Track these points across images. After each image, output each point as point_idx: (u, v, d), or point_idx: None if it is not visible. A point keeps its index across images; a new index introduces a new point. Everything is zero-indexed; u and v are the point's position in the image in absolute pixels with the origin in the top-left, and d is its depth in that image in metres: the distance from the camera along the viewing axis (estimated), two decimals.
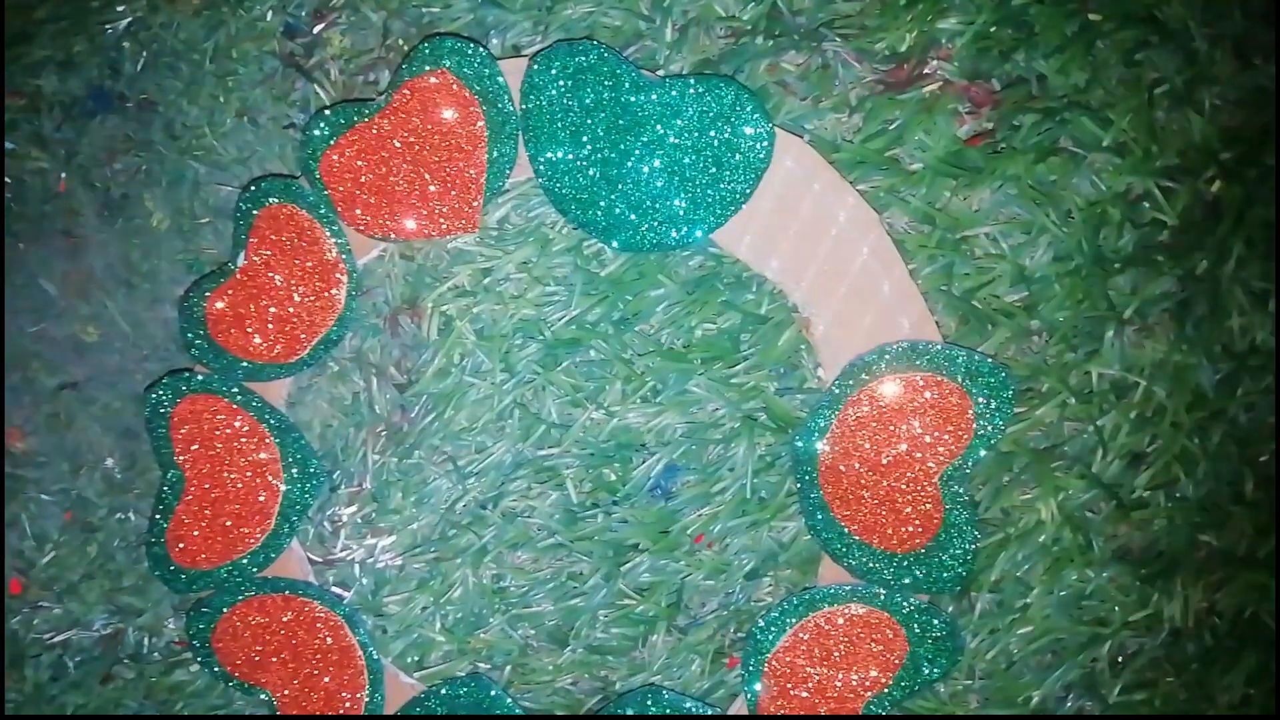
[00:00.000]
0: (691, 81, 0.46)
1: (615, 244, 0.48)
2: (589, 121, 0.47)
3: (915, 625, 0.49)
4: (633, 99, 0.46)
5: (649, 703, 0.51)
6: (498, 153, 0.48)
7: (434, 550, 0.54)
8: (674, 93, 0.46)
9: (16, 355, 0.57)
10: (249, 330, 0.51)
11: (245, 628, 0.53)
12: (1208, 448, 0.49)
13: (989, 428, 0.47)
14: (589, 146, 0.47)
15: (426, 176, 0.48)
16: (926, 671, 0.50)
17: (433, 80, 0.47)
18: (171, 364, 0.56)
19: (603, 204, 0.48)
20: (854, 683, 0.50)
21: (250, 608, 0.53)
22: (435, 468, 0.53)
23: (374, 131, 0.48)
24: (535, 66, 0.47)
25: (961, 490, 0.48)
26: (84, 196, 0.57)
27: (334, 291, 0.51)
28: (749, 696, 0.51)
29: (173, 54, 0.55)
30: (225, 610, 0.53)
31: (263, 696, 0.54)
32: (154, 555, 0.53)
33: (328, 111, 0.49)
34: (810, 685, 0.50)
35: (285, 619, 0.53)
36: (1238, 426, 0.49)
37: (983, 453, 0.47)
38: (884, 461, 0.48)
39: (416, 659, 0.55)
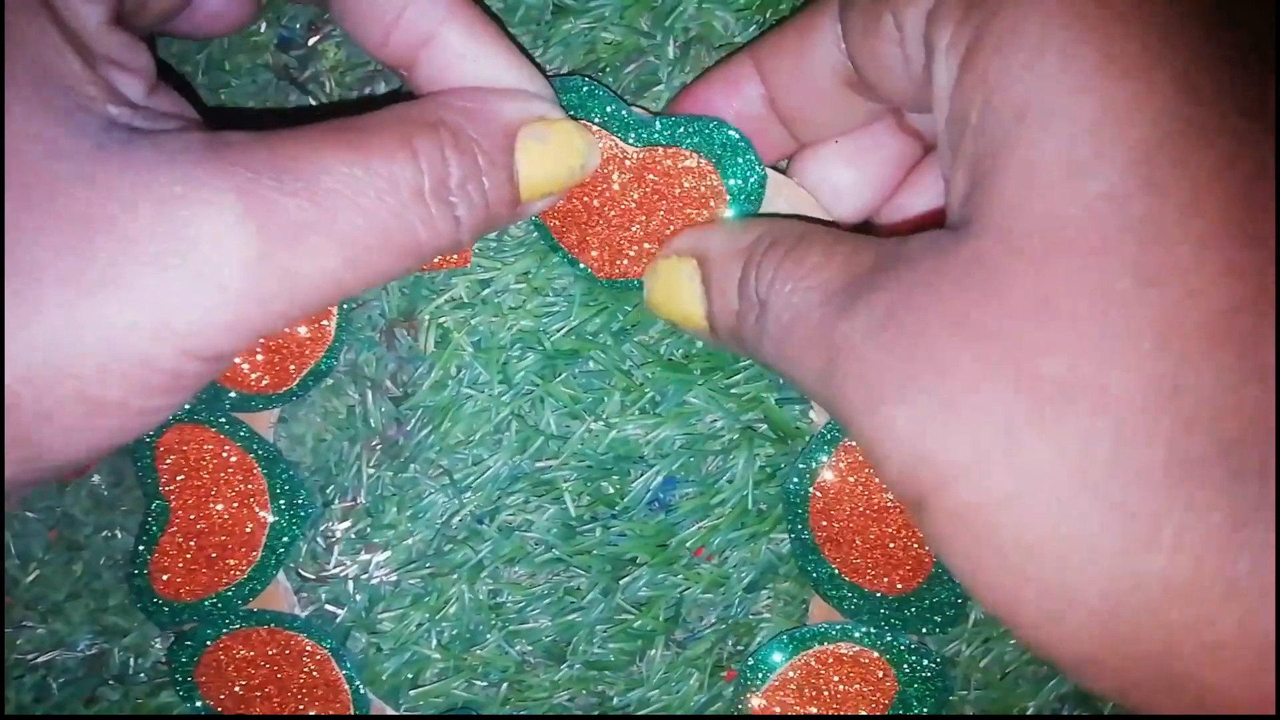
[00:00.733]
0: (683, 121, 0.46)
1: (605, 282, 0.48)
2: None
3: (905, 665, 0.50)
4: (627, 138, 0.46)
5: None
6: None
7: (429, 566, 0.54)
8: (665, 132, 0.46)
9: None
10: (237, 360, 0.50)
11: (230, 661, 0.52)
12: None
13: None
14: None
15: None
16: (916, 710, 0.50)
17: None
18: None
19: None
20: None
21: (235, 641, 0.52)
22: (431, 482, 0.53)
23: None
24: None
25: None
26: None
27: (324, 323, 0.50)
28: None
29: (163, 66, 0.54)
30: (209, 643, 0.52)
31: None
32: (136, 587, 0.52)
33: None
34: None
35: (270, 652, 0.52)
36: None
37: None
38: (877, 507, 0.48)
39: (411, 677, 0.54)
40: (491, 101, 0.41)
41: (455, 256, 0.49)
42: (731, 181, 0.46)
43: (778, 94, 0.44)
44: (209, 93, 0.54)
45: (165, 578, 0.52)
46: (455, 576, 0.53)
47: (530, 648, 0.54)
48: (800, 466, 0.49)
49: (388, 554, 0.54)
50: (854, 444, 0.48)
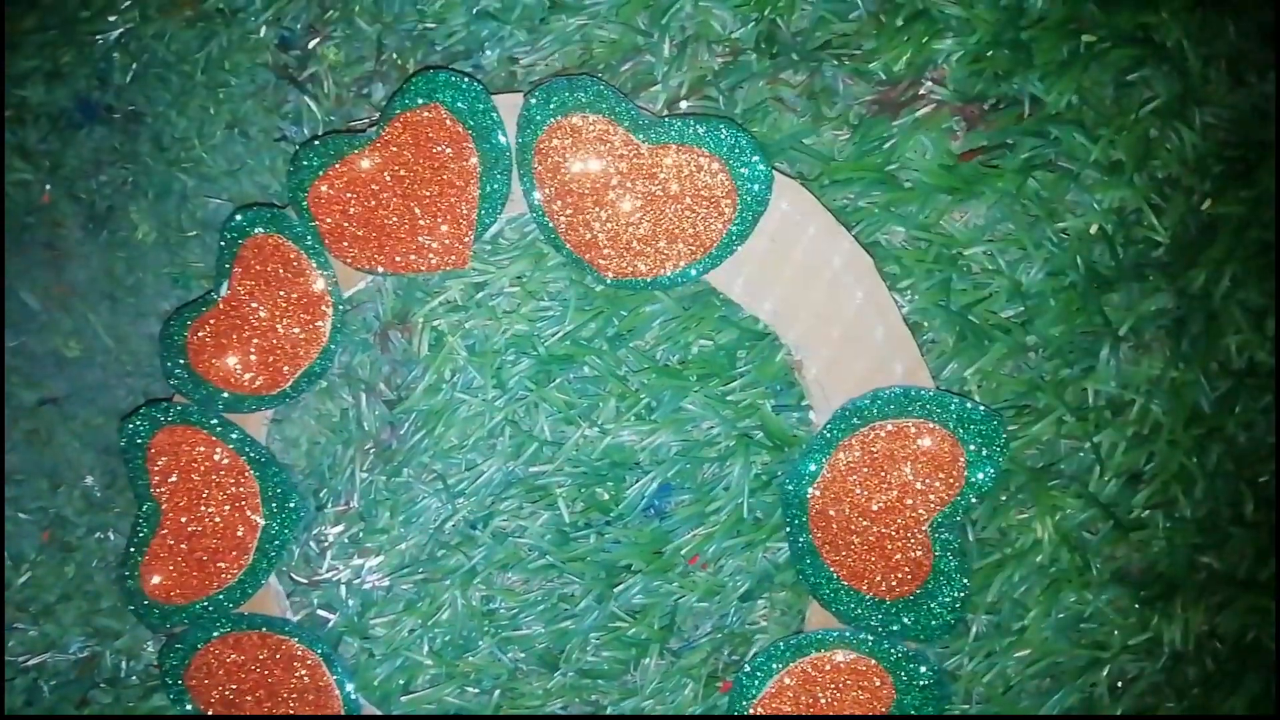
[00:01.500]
0: (691, 122, 0.46)
1: (609, 278, 0.48)
2: None
3: (903, 673, 0.49)
4: (637, 137, 0.46)
5: None
6: (490, 188, 0.48)
7: (422, 571, 0.53)
8: (673, 132, 0.46)
9: None
10: (231, 361, 0.50)
11: (220, 665, 0.52)
12: (1206, 467, 0.49)
13: (980, 476, 0.46)
14: None
15: (417, 211, 0.48)
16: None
17: (426, 114, 0.47)
18: (155, 380, 0.55)
19: None
20: None
21: (226, 644, 0.52)
22: (424, 486, 0.52)
23: (364, 164, 0.48)
24: (532, 101, 0.46)
25: (952, 538, 0.47)
26: (68, 208, 0.56)
27: (319, 324, 0.50)
28: None
29: (163, 65, 0.54)
30: (200, 647, 0.52)
31: None
32: (128, 589, 0.52)
33: (317, 142, 0.49)
34: None
35: (261, 656, 0.52)
36: (1236, 445, 0.49)
37: (974, 500, 0.47)
38: (874, 508, 0.47)
39: (403, 682, 0.54)
40: None
41: (454, 259, 0.49)
42: (741, 180, 0.46)
43: None
44: (208, 91, 0.54)
45: (156, 580, 0.52)
46: (448, 582, 0.53)
47: (523, 655, 0.53)
48: (797, 469, 0.48)
49: (380, 559, 0.53)
50: (851, 444, 0.48)
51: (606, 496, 0.52)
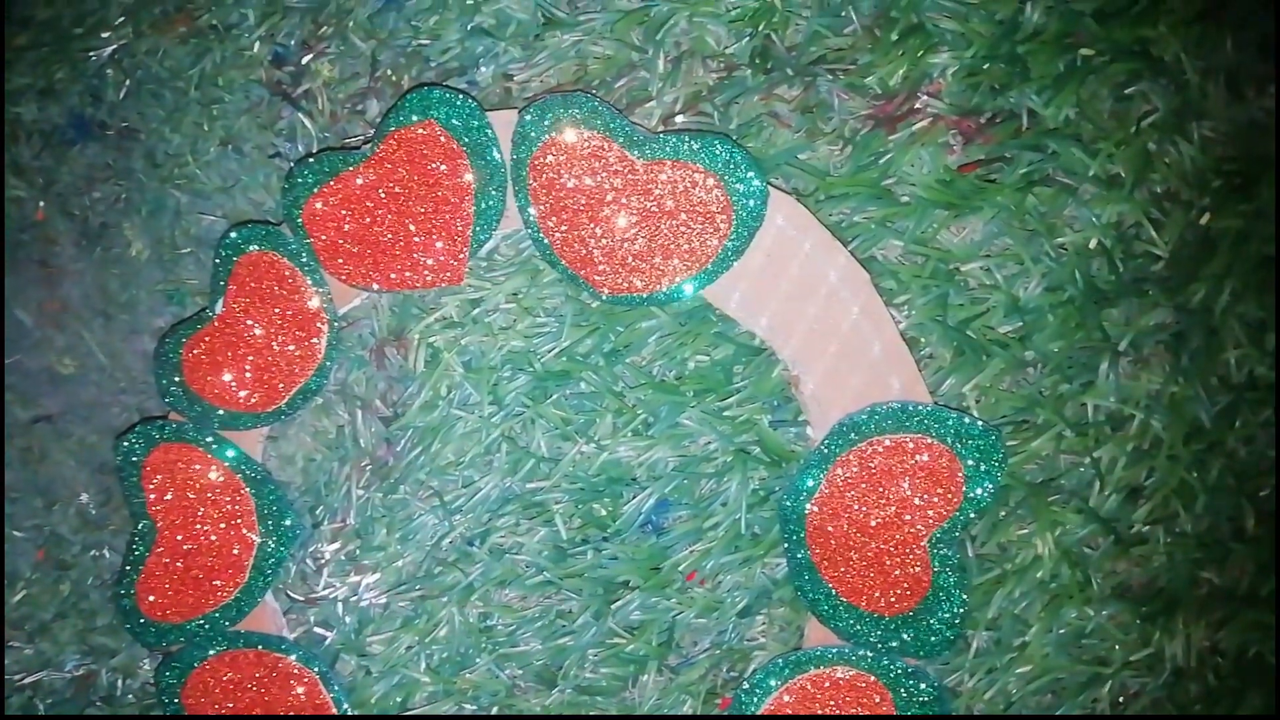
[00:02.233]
0: (686, 137, 0.46)
1: (605, 294, 0.48)
2: None
3: (903, 689, 0.49)
4: (632, 153, 0.46)
5: None
6: (485, 205, 0.47)
7: (419, 588, 0.53)
8: (668, 148, 0.46)
9: None
10: (226, 378, 0.50)
11: (216, 683, 0.52)
12: (1206, 481, 0.49)
13: (979, 491, 0.46)
14: None
15: (412, 228, 0.48)
16: None
17: (420, 131, 0.47)
18: (150, 397, 0.55)
19: None
20: None
21: (222, 663, 0.52)
22: (421, 503, 0.52)
23: (359, 181, 0.48)
24: (527, 117, 0.46)
25: (950, 553, 0.47)
26: (62, 225, 0.56)
27: (314, 341, 0.50)
28: None
29: (157, 81, 0.54)
30: (196, 665, 0.52)
31: None
32: (123, 608, 0.51)
33: (312, 159, 0.48)
34: None
35: (258, 675, 0.52)
36: (1237, 460, 0.49)
37: (972, 515, 0.47)
38: (872, 523, 0.47)
39: (400, 700, 0.53)
40: None
41: (449, 275, 0.49)
42: (736, 196, 0.46)
43: None
44: (202, 108, 0.54)
45: (151, 599, 0.51)
46: (445, 599, 0.52)
47: (521, 671, 0.53)
48: (795, 485, 0.48)
49: (377, 576, 0.53)
50: (848, 460, 0.48)
51: (604, 512, 0.52)
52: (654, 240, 0.46)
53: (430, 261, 0.48)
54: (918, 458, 0.46)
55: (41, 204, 0.56)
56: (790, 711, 0.49)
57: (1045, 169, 0.48)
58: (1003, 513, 0.50)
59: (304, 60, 0.53)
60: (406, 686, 0.53)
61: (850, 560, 0.48)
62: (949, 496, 0.46)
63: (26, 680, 0.56)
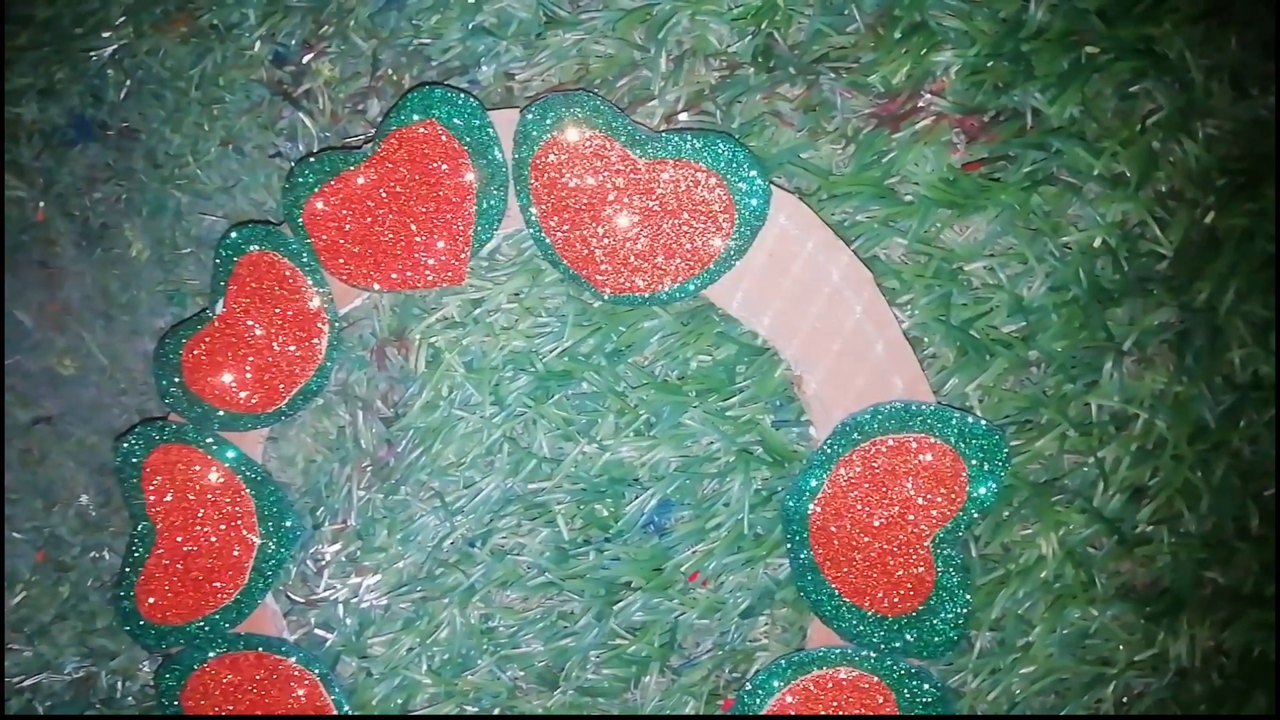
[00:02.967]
0: (689, 136, 0.46)
1: (607, 294, 0.48)
2: None
3: (906, 690, 0.48)
4: (634, 152, 0.46)
5: None
6: (486, 204, 0.47)
7: (420, 589, 0.52)
8: (670, 147, 0.46)
9: None
10: (226, 379, 0.50)
11: (216, 685, 0.52)
12: (1211, 481, 0.48)
13: (982, 491, 0.46)
14: None
15: (413, 227, 0.48)
16: None
17: (421, 130, 0.47)
18: (150, 398, 0.55)
19: None
20: None
21: (222, 665, 0.51)
22: (422, 504, 0.52)
23: (360, 180, 0.48)
24: (529, 116, 0.46)
25: (954, 553, 0.47)
26: (62, 226, 0.55)
27: (315, 341, 0.50)
28: None
29: (158, 81, 0.54)
30: (196, 667, 0.51)
31: None
32: (123, 609, 0.51)
33: (312, 158, 0.48)
34: None
35: (258, 677, 0.51)
36: (1241, 460, 0.48)
37: (975, 515, 0.46)
38: (876, 524, 0.47)
39: (401, 702, 0.53)
40: None
41: (451, 275, 0.48)
42: (739, 195, 0.46)
43: None
44: (202, 108, 0.53)
45: (151, 601, 0.51)
46: (446, 600, 0.52)
47: (522, 673, 0.53)
48: (798, 486, 0.48)
49: (378, 577, 0.53)
50: (851, 460, 0.47)
51: (606, 513, 0.51)
52: (656, 239, 0.46)
53: (432, 261, 0.48)
54: (921, 458, 0.46)
55: (42, 204, 0.55)
56: (793, 713, 0.49)
57: (1049, 168, 0.48)
58: (1006, 513, 0.49)
59: (305, 60, 0.52)
60: (408, 688, 0.53)
61: (853, 560, 0.47)
62: (952, 496, 0.46)
63: (25, 683, 0.56)
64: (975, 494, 0.46)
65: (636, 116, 0.49)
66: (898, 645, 0.48)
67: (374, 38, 0.51)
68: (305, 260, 0.49)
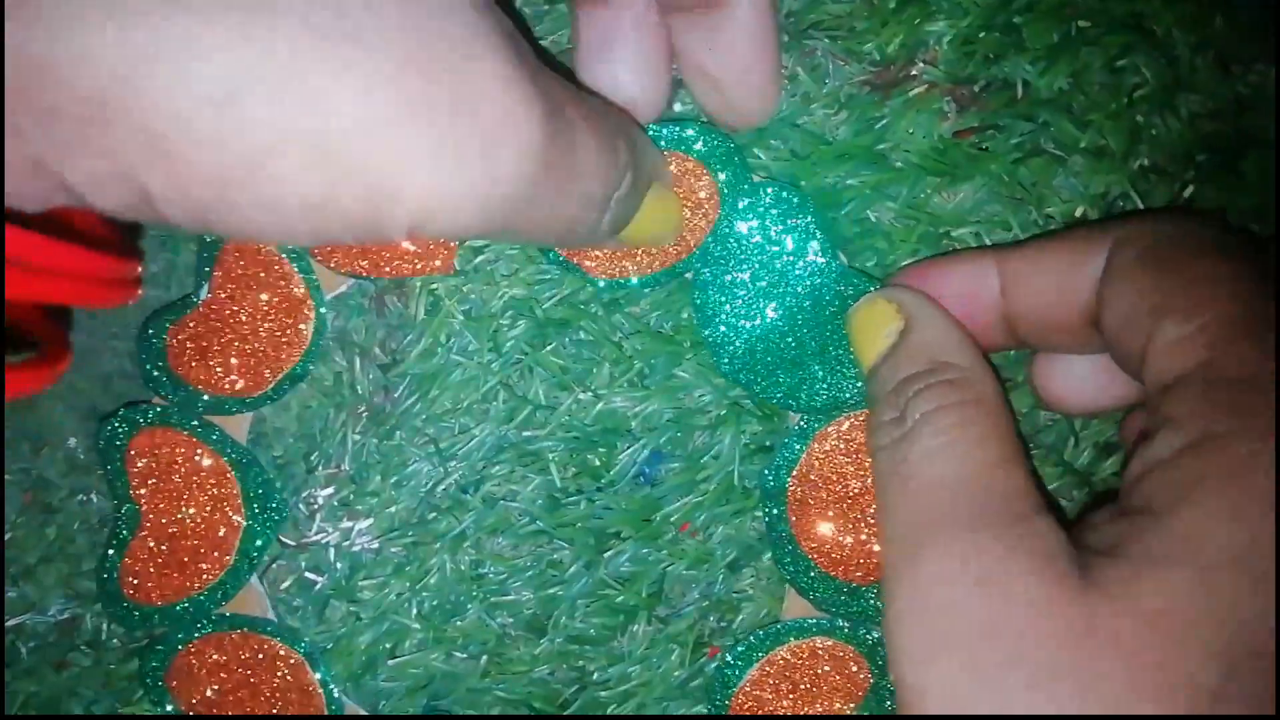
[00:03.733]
0: (664, 127, 0.47)
1: (600, 281, 0.49)
2: None
3: (879, 658, 0.50)
4: None
5: None
6: None
7: (412, 534, 0.53)
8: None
9: None
10: (211, 365, 0.50)
11: (202, 665, 0.52)
12: None
13: None
14: None
15: None
16: (890, 704, 0.50)
17: None
18: None
19: None
20: (818, 713, 0.50)
21: (207, 645, 0.52)
22: (416, 450, 0.53)
23: None
24: None
25: None
26: None
27: (301, 327, 0.50)
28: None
29: None
30: (181, 648, 0.52)
31: None
32: (107, 592, 0.51)
33: None
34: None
35: (244, 657, 0.52)
36: None
37: None
38: (852, 494, 0.49)
39: (389, 646, 0.54)
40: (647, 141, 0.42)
41: (439, 263, 0.49)
42: (721, 181, 0.47)
43: (1016, 304, 0.43)
44: None
45: (135, 582, 0.51)
46: (438, 546, 0.53)
47: (511, 620, 0.54)
48: (776, 460, 0.49)
49: (370, 521, 0.53)
50: (827, 433, 0.49)
51: (598, 463, 0.52)
52: None
53: (418, 248, 0.49)
54: None
55: None
56: (772, 682, 0.50)
57: (1037, 139, 0.50)
58: None
59: None
60: (396, 633, 0.54)
61: (829, 532, 0.49)
62: None
63: (9, 623, 0.55)
64: None
65: None
66: (870, 614, 0.49)
67: None
68: (291, 246, 0.49)
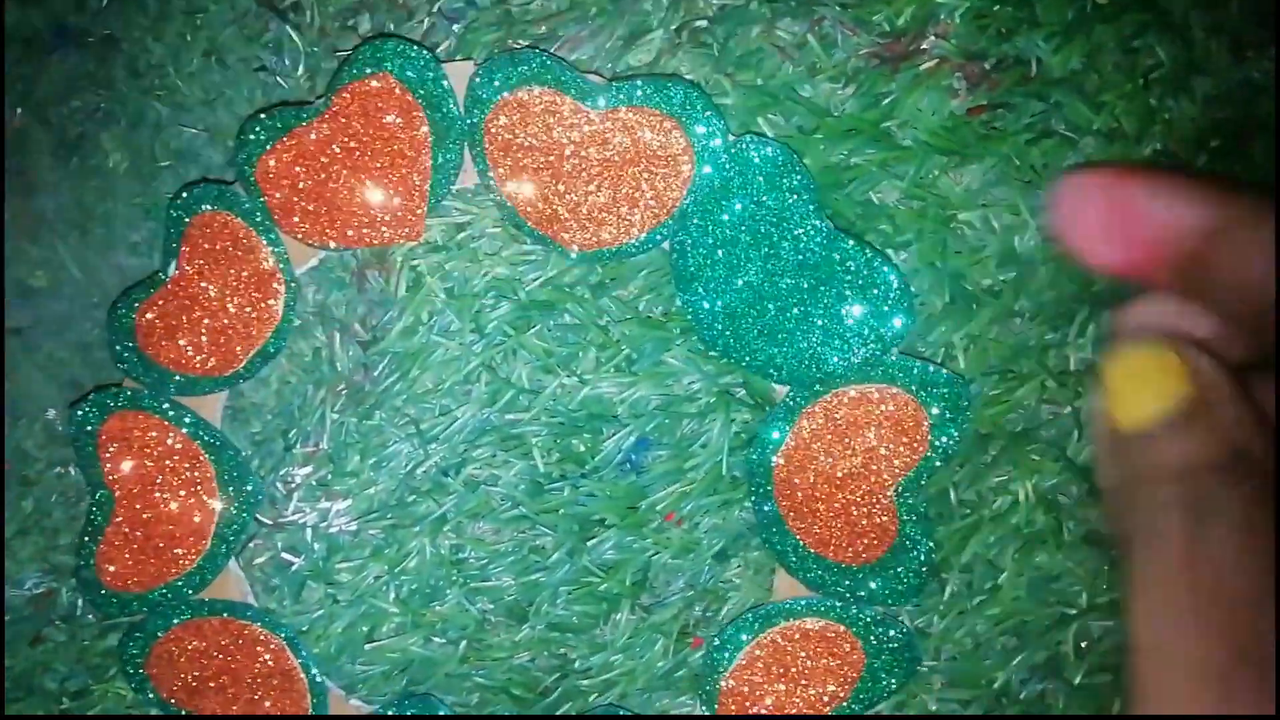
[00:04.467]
0: (639, 84, 0.45)
1: (575, 252, 0.47)
2: None
3: (872, 637, 0.49)
4: (585, 103, 0.46)
5: None
6: (442, 158, 0.47)
7: (391, 517, 0.52)
8: (622, 95, 0.45)
9: None
10: (181, 343, 0.49)
11: (181, 652, 0.51)
12: None
13: (944, 439, 0.46)
14: None
15: (368, 183, 0.47)
16: (884, 683, 0.49)
17: (374, 84, 0.46)
18: None
19: None
20: (812, 698, 0.50)
21: (187, 631, 0.51)
22: (396, 430, 0.51)
23: (313, 136, 0.47)
24: (476, 80, 0.46)
25: (916, 502, 0.47)
26: (38, 134, 0.54)
27: (271, 302, 0.49)
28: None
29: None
30: (160, 635, 0.51)
31: None
32: (83, 579, 0.50)
33: (264, 115, 0.47)
34: (768, 703, 0.50)
35: (223, 642, 0.51)
36: None
37: (938, 464, 0.47)
38: (839, 474, 0.47)
39: (367, 630, 0.53)
40: None
41: (408, 231, 0.48)
42: (697, 136, 0.45)
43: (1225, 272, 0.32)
44: (186, 17, 0.52)
45: (112, 569, 0.50)
46: (417, 529, 0.52)
47: (491, 606, 0.52)
48: (761, 437, 0.47)
49: (348, 502, 0.52)
50: (814, 411, 0.47)
51: (583, 448, 0.51)
52: (618, 190, 0.46)
53: (388, 217, 0.47)
54: (883, 407, 0.46)
55: (19, 111, 0.54)
56: (762, 665, 0.49)
57: (1049, 119, 0.47)
58: (986, 460, 0.50)
59: None
60: (373, 617, 0.53)
61: (817, 511, 0.48)
62: (914, 445, 0.46)
63: None
64: (936, 442, 0.46)
65: (634, 51, 0.48)
66: (862, 594, 0.48)
67: None
68: (259, 220, 0.48)
